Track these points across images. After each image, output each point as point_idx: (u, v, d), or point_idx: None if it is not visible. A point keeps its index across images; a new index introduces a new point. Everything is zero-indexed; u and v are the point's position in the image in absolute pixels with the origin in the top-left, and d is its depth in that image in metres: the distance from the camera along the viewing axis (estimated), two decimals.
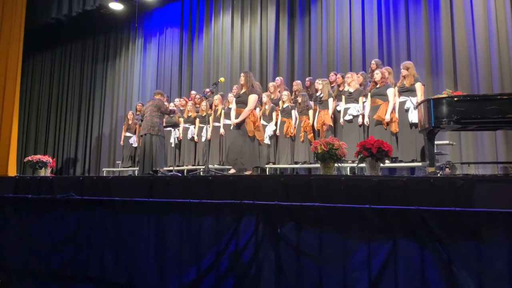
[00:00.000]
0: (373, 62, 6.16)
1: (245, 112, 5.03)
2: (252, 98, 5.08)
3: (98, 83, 11.20)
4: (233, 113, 5.23)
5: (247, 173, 5.05)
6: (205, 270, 2.70)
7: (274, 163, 6.42)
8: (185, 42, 9.89)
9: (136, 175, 7.39)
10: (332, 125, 5.87)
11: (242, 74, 5.19)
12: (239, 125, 5.03)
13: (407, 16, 7.00)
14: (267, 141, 6.39)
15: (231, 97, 6.73)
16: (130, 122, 8.32)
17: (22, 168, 10.35)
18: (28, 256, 3.28)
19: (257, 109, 6.59)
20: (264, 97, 6.57)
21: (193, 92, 8.22)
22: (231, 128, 5.36)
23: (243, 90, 5.14)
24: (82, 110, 11.35)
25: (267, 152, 6.44)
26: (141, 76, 10.40)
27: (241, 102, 5.13)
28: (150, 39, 10.50)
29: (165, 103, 6.40)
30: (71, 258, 3.14)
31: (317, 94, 6.19)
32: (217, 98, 7.23)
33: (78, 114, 11.39)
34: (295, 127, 6.30)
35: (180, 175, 5.73)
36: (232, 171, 4.97)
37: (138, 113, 8.39)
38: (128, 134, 8.28)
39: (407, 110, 5.14)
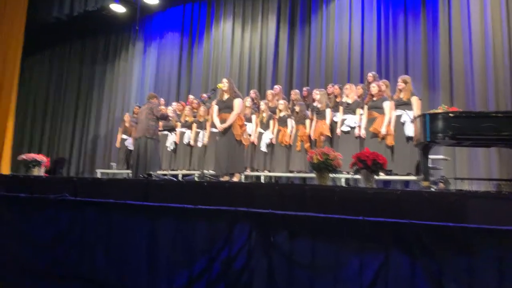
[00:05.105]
0: (370, 74, 6.22)
1: (233, 116, 5.03)
2: (238, 102, 5.11)
3: (96, 84, 11.19)
4: (216, 119, 5.20)
5: (235, 178, 5.05)
6: (196, 276, 2.70)
7: (269, 171, 6.44)
8: (185, 47, 9.93)
9: (131, 177, 7.37)
10: (330, 135, 5.90)
11: (225, 80, 5.19)
12: (226, 130, 5.03)
13: (405, 31, 7.10)
14: (263, 148, 6.41)
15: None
16: (127, 124, 8.29)
17: (15, 167, 10.28)
18: (19, 254, 3.26)
19: (254, 116, 6.64)
20: (262, 105, 6.61)
21: (191, 96, 8.23)
22: (217, 135, 5.37)
23: (227, 96, 5.16)
24: (79, 110, 11.32)
25: (263, 159, 6.46)
26: (139, 79, 10.41)
27: (226, 107, 5.13)
28: (150, 42, 10.54)
29: (160, 107, 6.40)
30: (62, 257, 3.13)
31: (315, 104, 6.24)
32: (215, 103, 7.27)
33: (75, 114, 11.34)
34: (290, 136, 6.32)
35: (175, 179, 5.72)
36: (225, 178, 4.98)
37: (135, 115, 8.39)
38: (124, 136, 8.26)
39: (403, 124, 5.19)
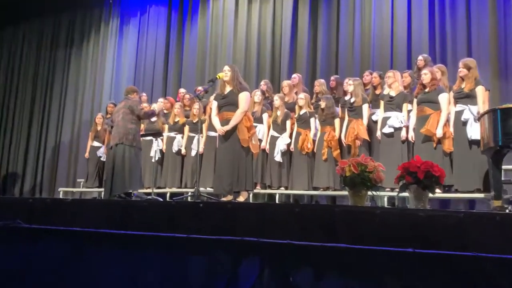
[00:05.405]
0: (420, 58, 6.19)
1: (237, 115, 5.05)
2: (244, 97, 5.13)
3: (58, 75, 11.30)
4: (216, 120, 5.23)
5: (241, 198, 5.08)
6: None
7: (286, 188, 6.43)
8: (174, 25, 10.01)
9: (103, 197, 7.41)
10: (368, 139, 5.89)
11: (227, 68, 5.23)
12: (230, 134, 5.05)
13: (467, 0, 7.05)
14: (278, 158, 6.41)
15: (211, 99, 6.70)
16: (98, 128, 8.38)
17: None
18: None
19: (265, 115, 6.63)
20: (277, 100, 6.61)
21: (182, 90, 8.27)
22: (218, 141, 5.36)
23: (229, 88, 5.20)
24: (36, 110, 11.43)
25: (278, 173, 6.45)
26: (115, 68, 10.50)
27: (229, 103, 5.15)
28: (129, 19, 10.64)
29: (142, 104, 6.45)
30: None
31: (347, 98, 6.24)
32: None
33: (30, 116, 11.46)
34: (314, 141, 6.33)
35: (162, 200, 5.75)
36: (228, 198, 5.00)
37: (109, 116, 8.45)
38: (96, 143, 8.35)
39: (465, 123, 5.15)
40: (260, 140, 6.44)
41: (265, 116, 6.65)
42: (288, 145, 6.47)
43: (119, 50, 10.59)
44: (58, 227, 3.40)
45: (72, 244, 3.23)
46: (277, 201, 6.33)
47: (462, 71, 5.30)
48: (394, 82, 5.84)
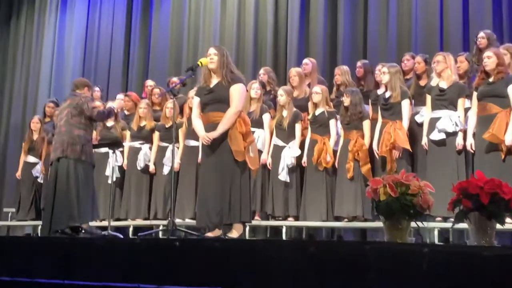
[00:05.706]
0: (482, 35, 6.19)
1: (229, 117, 5.03)
2: (238, 91, 5.12)
3: None
4: (198, 123, 5.23)
5: (234, 233, 5.03)
6: None
7: (296, 219, 6.42)
8: None
9: (39, 234, 7.38)
10: (410, 149, 5.89)
11: (213, 52, 5.21)
12: (218, 143, 5.02)
13: None
14: (284, 176, 6.40)
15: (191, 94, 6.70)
16: (35, 136, 8.35)
17: None
18: None
19: (266, 115, 6.61)
20: (282, 95, 6.59)
21: (149, 83, 8.28)
22: (201, 153, 5.34)
23: (216, 80, 5.20)
24: None
25: (285, 197, 6.45)
26: (55, 54, 10.53)
27: (217, 100, 5.14)
28: None
29: (94, 103, 6.40)
30: None
31: (380, 91, 6.26)
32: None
33: None
34: (335, 152, 6.34)
35: (122, 237, 5.72)
36: (215, 234, 4.97)
37: (48, 119, 8.42)
38: (31, 158, 8.35)
39: None
40: (260, 152, 6.40)
41: (266, 117, 6.64)
42: (299, 158, 6.46)
43: (62, 29, 10.60)
44: None
45: None
46: (283, 237, 6.29)
47: None
48: (446, 69, 5.83)
